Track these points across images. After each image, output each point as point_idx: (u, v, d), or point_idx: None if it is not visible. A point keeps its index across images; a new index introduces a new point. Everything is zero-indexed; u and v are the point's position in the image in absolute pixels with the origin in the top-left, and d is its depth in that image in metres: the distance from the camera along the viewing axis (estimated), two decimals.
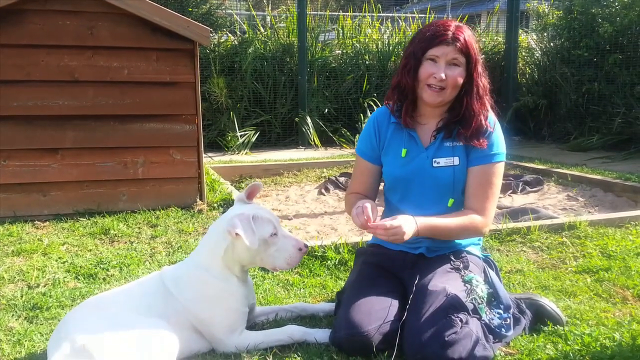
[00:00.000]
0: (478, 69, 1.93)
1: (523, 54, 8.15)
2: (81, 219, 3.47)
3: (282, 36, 7.70)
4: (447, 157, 1.98)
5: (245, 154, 6.59)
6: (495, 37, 8.63)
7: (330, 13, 9.21)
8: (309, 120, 7.16)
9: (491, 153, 1.96)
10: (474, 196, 1.96)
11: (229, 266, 1.87)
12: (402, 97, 2.02)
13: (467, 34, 1.91)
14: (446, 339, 1.64)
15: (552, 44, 7.59)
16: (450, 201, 2.00)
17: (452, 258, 2.00)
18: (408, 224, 1.78)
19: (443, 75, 1.88)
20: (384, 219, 1.84)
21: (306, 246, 1.89)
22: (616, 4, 6.56)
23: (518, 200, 4.30)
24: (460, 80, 1.91)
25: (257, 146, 6.96)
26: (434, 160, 1.98)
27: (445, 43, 1.88)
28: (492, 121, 1.99)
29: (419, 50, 1.93)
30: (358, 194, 2.12)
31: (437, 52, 1.89)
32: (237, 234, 1.74)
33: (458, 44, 1.88)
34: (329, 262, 2.67)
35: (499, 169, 1.98)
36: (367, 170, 2.13)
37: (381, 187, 2.21)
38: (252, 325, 2.05)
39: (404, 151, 2.02)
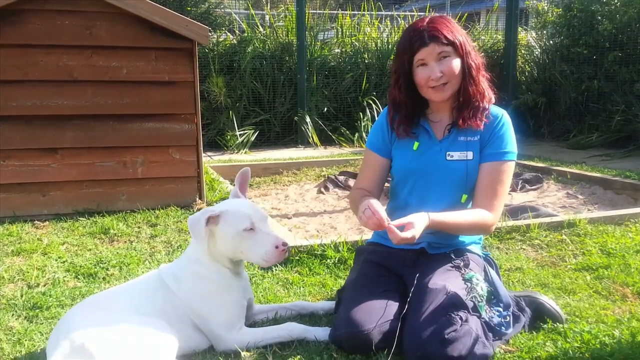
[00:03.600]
0: (466, 49, 1.93)
1: (522, 51, 8.14)
2: (81, 218, 3.47)
3: (281, 35, 7.69)
4: (460, 151, 1.98)
5: (245, 153, 6.59)
6: (495, 35, 8.63)
7: (329, 12, 9.20)
8: (308, 119, 7.16)
9: (503, 151, 1.97)
10: (483, 193, 1.96)
11: (216, 258, 1.87)
12: (399, 110, 2.04)
13: (442, 23, 1.90)
14: (446, 336, 1.64)
15: (551, 42, 7.58)
16: (464, 197, 2.00)
17: (453, 256, 2.00)
18: (420, 225, 1.76)
19: (439, 74, 1.89)
20: (398, 220, 1.78)
21: (285, 244, 1.80)
22: (615, 1, 6.56)
23: (517, 198, 4.30)
24: (458, 67, 1.91)
25: (256, 145, 6.96)
26: (447, 153, 1.99)
27: (425, 44, 1.88)
28: (499, 113, 2.00)
29: (404, 62, 1.94)
30: (363, 189, 2.09)
31: (422, 56, 1.90)
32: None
33: (438, 40, 1.88)
34: (328, 260, 2.67)
35: (510, 167, 1.98)
36: (376, 164, 2.12)
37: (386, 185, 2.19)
38: (252, 323, 2.06)
39: (415, 144, 2.03)
